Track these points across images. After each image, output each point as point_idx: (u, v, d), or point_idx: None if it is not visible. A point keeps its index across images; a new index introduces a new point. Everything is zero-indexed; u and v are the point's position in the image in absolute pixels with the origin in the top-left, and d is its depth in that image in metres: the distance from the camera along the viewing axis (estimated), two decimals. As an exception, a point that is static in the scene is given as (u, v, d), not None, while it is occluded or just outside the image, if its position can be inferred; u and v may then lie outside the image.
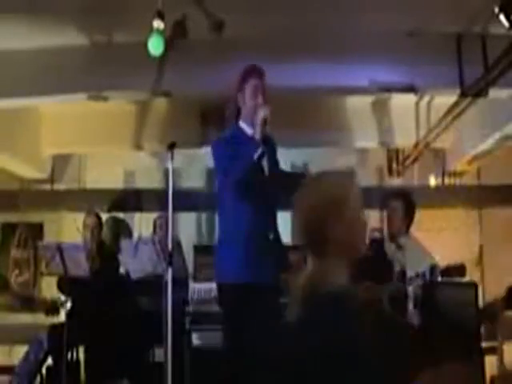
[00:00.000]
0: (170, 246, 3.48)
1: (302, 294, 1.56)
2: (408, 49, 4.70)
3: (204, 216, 7.71)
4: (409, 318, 3.76)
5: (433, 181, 7.01)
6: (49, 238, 6.71)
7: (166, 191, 3.40)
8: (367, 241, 5.97)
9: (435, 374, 3.75)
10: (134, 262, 4.24)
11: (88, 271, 4.21)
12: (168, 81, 4.78)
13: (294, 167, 6.84)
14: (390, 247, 3.95)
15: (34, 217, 7.04)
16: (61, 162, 7.07)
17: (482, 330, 4.44)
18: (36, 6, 4.19)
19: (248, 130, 2.95)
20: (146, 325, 4.46)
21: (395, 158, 7.42)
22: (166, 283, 3.50)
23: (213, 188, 7.43)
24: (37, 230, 7.09)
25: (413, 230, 4.12)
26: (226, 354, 2.83)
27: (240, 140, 2.91)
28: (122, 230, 6.58)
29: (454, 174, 6.82)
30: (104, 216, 6.13)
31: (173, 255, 3.51)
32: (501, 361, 4.55)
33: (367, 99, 6.25)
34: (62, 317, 4.61)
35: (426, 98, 6.06)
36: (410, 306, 3.73)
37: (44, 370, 4.72)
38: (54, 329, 4.47)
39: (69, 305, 4.39)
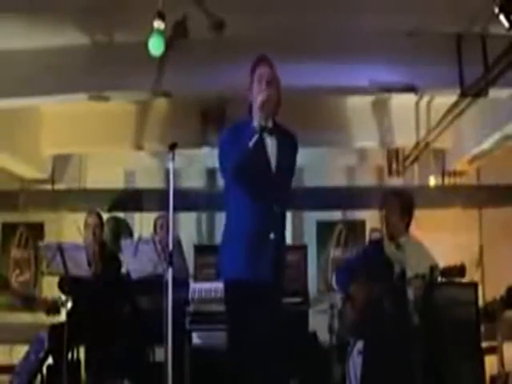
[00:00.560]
0: (170, 245, 3.49)
1: None
2: (408, 49, 4.71)
3: (204, 216, 7.72)
4: (409, 318, 3.76)
5: (433, 181, 7.02)
6: (49, 237, 6.73)
7: (166, 191, 3.40)
8: (367, 241, 6.02)
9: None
10: (135, 262, 4.24)
11: (89, 271, 4.22)
12: (168, 81, 4.78)
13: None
14: (389, 247, 3.95)
15: (34, 217, 7.05)
16: (61, 162, 7.07)
17: (482, 329, 4.44)
18: (36, 6, 4.20)
19: (255, 121, 2.81)
20: (146, 325, 4.46)
21: (395, 158, 7.43)
22: (167, 283, 3.50)
23: (213, 188, 7.48)
24: (37, 229, 7.10)
25: (413, 229, 4.12)
26: (227, 352, 2.83)
27: (244, 129, 2.80)
28: (122, 229, 6.59)
29: (454, 174, 6.82)
30: (105, 216, 6.15)
31: (173, 255, 3.51)
32: (501, 361, 4.55)
33: (367, 99, 6.26)
34: (62, 316, 4.61)
35: (426, 98, 6.06)
36: (410, 306, 3.74)
37: (45, 370, 4.73)
38: (55, 328, 4.47)
39: (69, 304, 4.39)
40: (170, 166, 3.40)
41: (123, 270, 4.77)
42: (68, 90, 4.90)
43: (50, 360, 4.60)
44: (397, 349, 3.59)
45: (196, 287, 4.74)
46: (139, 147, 6.64)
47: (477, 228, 6.75)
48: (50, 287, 5.62)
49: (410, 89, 4.84)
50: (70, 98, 5.09)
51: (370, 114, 6.43)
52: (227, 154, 2.79)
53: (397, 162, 7.39)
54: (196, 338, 4.56)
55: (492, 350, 4.64)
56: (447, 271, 3.63)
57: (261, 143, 2.78)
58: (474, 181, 6.87)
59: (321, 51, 4.71)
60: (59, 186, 7.05)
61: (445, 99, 5.40)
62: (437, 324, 3.87)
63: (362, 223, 7.31)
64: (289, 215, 3.00)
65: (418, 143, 6.36)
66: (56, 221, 7.04)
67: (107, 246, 4.80)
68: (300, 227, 7.53)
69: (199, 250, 5.55)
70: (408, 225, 3.95)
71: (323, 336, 4.91)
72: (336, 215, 7.59)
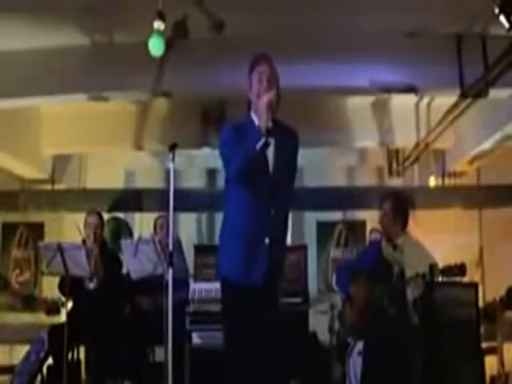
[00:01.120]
0: (170, 246, 3.49)
1: None
2: (408, 49, 4.71)
3: (204, 216, 7.72)
4: (409, 319, 3.77)
5: (433, 181, 7.02)
6: (49, 237, 6.73)
7: (166, 191, 3.40)
8: (367, 242, 6.02)
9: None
10: (135, 262, 4.24)
11: (89, 271, 4.22)
12: (168, 81, 4.78)
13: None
14: (387, 248, 3.95)
15: (34, 217, 7.05)
16: (61, 162, 7.07)
17: (482, 330, 4.44)
18: (37, 7, 4.20)
19: (256, 120, 2.77)
20: (147, 325, 4.46)
21: (395, 159, 7.44)
22: (167, 283, 3.50)
23: (213, 188, 7.48)
24: (37, 229, 7.10)
25: (413, 229, 4.12)
26: (223, 353, 2.83)
27: (247, 129, 2.75)
28: (122, 229, 6.60)
29: (454, 175, 6.82)
30: (104, 216, 6.14)
31: (173, 255, 3.51)
32: (501, 361, 4.56)
33: (367, 99, 6.26)
34: (62, 317, 4.61)
35: (426, 99, 6.06)
36: (410, 306, 3.74)
37: (45, 370, 4.73)
38: (55, 329, 4.47)
39: (70, 305, 4.39)
40: (171, 166, 3.40)
41: (123, 270, 4.78)
42: (68, 91, 4.90)
43: (50, 360, 4.61)
44: (397, 349, 3.59)
45: (196, 287, 4.74)
46: (139, 147, 6.64)
47: (477, 228, 6.75)
48: (50, 287, 5.62)
49: (410, 89, 4.84)
50: (70, 98, 5.09)
51: (370, 115, 6.43)
52: (231, 155, 2.74)
53: (397, 162, 7.40)
54: (196, 338, 4.56)
55: (492, 350, 4.64)
56: (447, 270, 3.63)
57: (265, 146, 2.72)
58: (474, 181, 6.87)
59: (321, 51, 4.71)
60: (59, 186, 7.06)
61: (445, 99, 5.40)
62: (437, 324, 3.87)
63: (362, 223, 7.32)
64: (289, 215, 2.97)
65: (418, 143, 6.36)
66: (56, 221, 7.04)
67: (107, 246, 4.80)
68: (300, 227, 7.53)
69: (199, 250, 5.54)
70: (404, 225, 3.95)
71: (323, 336, 4.91)
72: (336, 215, 7.59)
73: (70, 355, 4.37)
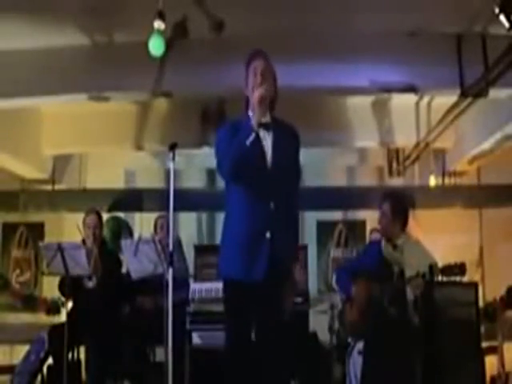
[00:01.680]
0: (170, 246, 3.49)
1: None
2: (408, 49, 4.71)
3: (204, 216, 7.72)
4: (409, 319, 3.77)
5: (433, 181, 7.02)
6: (49, 237, 6.73)
7: (166, 191, 3.40)
8: (367, 241, 6.02)
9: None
10: (135, 262, 4.24)
11: (89, 271, 4.22)
12: (168, 81, 4.78)
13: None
14: (386, 248, 3.96)
15: (34, 217, 7.05)
16: (61, 162, 7.07)
17: (482, 330, 4.45)
18: (37, 7, 4.20)
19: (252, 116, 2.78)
20: (147, 325, 4.47)
21: (395, 158, 7.43)
22: (167, 283, 3.50)
23: (213, 188, 7.48)
24: (38, 229, 7.10)
25: (413, 229, 4.13)
26: (223, 353, 2.81)
27: (243, 126, 2.74)
28: (122, 229, 6.60)
29: (455, 174, 6.82)
30: (105, 216, 6.14)
31: (173, 255, 3.51)
32: (501, 361, 4.56)
33: (367, 99, 6.26)
34: (62, 317, 4.61)
35: (427, 98, 6.06)
36: (410, 306, 3.74)
37: (45, 370, 4.73)
38: (55, 329, 4.47)
39: (70, 305, 4.39)
40: (171, 166, 3.40)
41: (123, 269, 4.78)
42: (68, 91, 4.90)
43: (50, 360, 4.61)
44: (397, 349, 3.59)
45: (196, 287, 4.74)
46: (139, 147, 6.63)
47: (477, 228, 6.74)
48: (50, 287, 5.63)
49: (410, 89, 4.84)
50: (71, 98, 5.09)
51: (370, 114, 6.42)
52: (225, 153, 2.74)
53: (397, 162, 7.40)
54: (196, 338, 4.56)
55: (492, 350, 4.64)
56: (447, 269, 3.63)
57: (257, 140, 2.73)
58: (475, 181, 6.87)
59: (321, 51, 4.71)
60: (59, 186, 7.06)
61: (445, 99, 5.40)
62: (437, 324, 3.87)
63: (363, 223, 7.32)
64: (297, 213, 2.94)
65: (418, 143, 6.36)
66: (56, 221, 7.04)
67: (107, 246, 4.80)
68: (300, 227, 7.52)
69: (199, 250, 5.55)
70: (404, 225, 3.95)
71: (323, 336, 4.91)
72: (336, 215, 7.59)
73: (70, 355, 4.37)
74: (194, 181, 7.63)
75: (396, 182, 7.47)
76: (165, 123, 6.35)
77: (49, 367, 4.68)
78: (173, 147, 3.43)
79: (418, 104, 6.23)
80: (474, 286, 4.15)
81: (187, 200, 5.96)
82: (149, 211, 6.55)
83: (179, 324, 3.95)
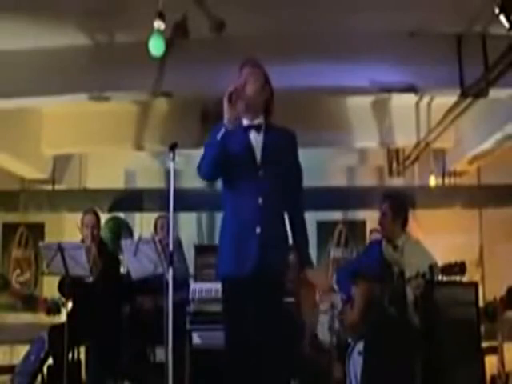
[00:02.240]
0: (170, 246, 3.49)
1: None
2: (408, 49, 4.71)
3: (204, 216, 7.72)
4: (409, 318, 3.77)
5: (433, 181, 7.02)
6: (50, 237, 6.73)
7: (166, 191, 3.40)
8: (367, 241, 6.02)
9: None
10: (135, 262, 4.24)
11: (89, 270, 4.22)
12: (168, 81, 4.78)
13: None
14: (387, 248, 3.96)
15: (35, 217, 7.06)
16: (62, 162, 7.08)
17: (482, 329, 4.44)
18: (38, 7, 4.20)
19: (244, 121, 2.86)
20: (147, 325, 4.46)
21: (395, 158, 7.44)
22: (167, 283, 3.50)
23: (213, 188, 7.47)
24: (38, 229, 7.11)
25: (414, 229, 4.13)
26: (222, 353, 2.81)
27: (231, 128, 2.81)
28: (122, 229, 6.59)
29: (455, 174, 6.82)
30: (105, 216, 6.14)
31: (173, 255, 3.51)
32: (501, 361, 4.56)
33: (367, 99, 6.26)
34: (62, 317, 4.61)
35: (427, 98, 6.06)
36: (410, 306, 3.74)
37: (45, 370, 4.73)
38: (55, 329, 4.47)
39: (70, 305, 4.39)
40: (171, 166, 3.40)
41: (123, 269, 4.78)
42: (69, 91, 4.90)
43: (50, 360, 4.61)
44: (397, 349, 3.59)
45: (196, 287, 4.74)
46: (139, 147, 6.64)
47: (477, 228, 6.75)
48: (50, 287, 5.63)
49: (410, 89, 4.84)
50: (71, 98, 5.08)
51: (370, 114, 6.42)
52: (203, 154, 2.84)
53: (397, 162, 7.40)
54: (196, 338, 4.56)
55: (492, 350, 4.64)
56: (447, 268, 3.63)
57: (247, 140, 2.80)
58: (475, 181, 6.87)
59: (321, 51, 4.71)
60: (59, 186, 7.06)
61: (445, 99, 5.40)
62: (437, 324, 3.86)
63: (363, 223, 7.32)
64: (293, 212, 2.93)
65: (418, 143, 6.36)
66: (56, 221, 7.04)
67: (105, 246, 4.80)
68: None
69: (199, 249, 5.55)
70: (404, 225, 3.95)
71: (323, 336, 4.91)
72: (336, 215, 7.60)
73: (70, 355, 4.37)
74: (194, 181, 7.61)
75: (396, 182, 7.47)
76: (165, 123, 6.35)
77: (49, 367, 4.68)
78: (173, 147, 3.43)
79: (418, 104, 6.23)
80: (474, 285, 4.14)
81: (187, 200, 5.96)
82: (149, 211, 6.56)
83: (179, 324, 3.95)
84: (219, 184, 2.95)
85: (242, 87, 2.78)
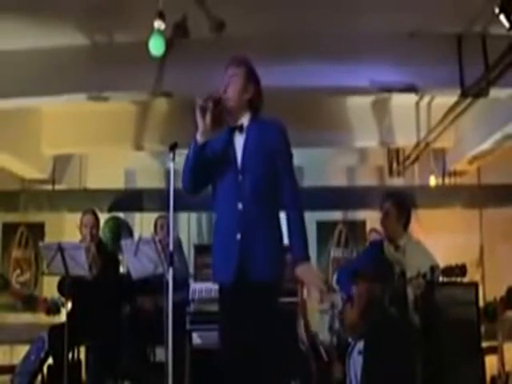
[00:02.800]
0: (170, 246, 3.49)
1: None
2: (409, 49, 4.71)
3: (204, 216, 7.72)
4: (409, 318, 3.77)
5: (433, 181, 7.02)
6: (50, 237, 6.73)
7: (166, 191, 3.40)
8: (367, 241, 6.02)
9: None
10: (135, 262, 4.25)
11: (89, 271, 4.22)
12: (168, 81, 4.78)
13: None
14: (388, 248, 3.95)
15: (35, 217, 7.06)
16: (62, 162, 7.08)
17: (483, 329, 4.44)
18: (37, 7, 4.20)
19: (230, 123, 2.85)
20: (147, 325, 4.46)
21: (395, 158, 7.44)
22: (167, 283, 3.50)
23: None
24: (38, 230, 7.11)
25: (414, 229, 4.13)
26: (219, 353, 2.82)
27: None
28: (122, 229, 6.59)
29: (455, 174, 6.82)
30: (105, 216, 6.14)
31: (173, 255, 3.51)
32: (501, 361, 4.55)
33: (367, 99, 6.26)
34: (62, 317, 4.61)
35: (427, 98, 6.06)
36: (411, 306, 3.74)
37: (45, 370, 4.73)
38: (55, 329, 4.47)
39: (69, 305, 4.39)
40: (171, 166, 3.40)
41: (123, 269, 4.78)
42: (68, 90, 4.90)
43: (50, 360, 4.61)
44: (397, 349, 3.59)
45: (196, 287, 4.74)
46: (139, 147, 6.63)
47: (477, 228, 6.75)
48: (50, 287, 5.62)
49: (410, 89, 4.84)
50: (71, 98, 5.08)
51: (370, 114, 6.42)
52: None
53: (397, 161, 7.40)
54: (196, 338, 4.56)
55: (492, 350, 4.63)
56: (448, 270, 3.63)
57: (229, 144, 2.78)
58: (475, 181, 6.87)
59: (321, 51, 4.71)
60: (59, 186, 7.06)
61: (445, 99, 5.40)
62: (437, 324, 3.86)
63: (363, 223, 7.32)
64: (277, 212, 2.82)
65: (418, 143, 6.36)
66: (56, 221, 7.04)
67: (104, 246, 4.81)
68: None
69: (199, 250, 5.53)
70: (406, 225, 3.94)
71: (323, 336, 4.91)
72: (336, 215, 7.59)
73: (70, 355, 4.37)
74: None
75: (396, 181, 7.47)
76: (165, 123, 6.35)
77: (49, 367, 4.68)
78: (173, 147, 3.43)
79: (418, 104, 6.23)
80: (474, 285, 4.13)
81: (187, 200, 5.95)
82: (149, 211, 6.55)
83: (179, 324, 3.95)
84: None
85: (223, 92, 2.78)
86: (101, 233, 4.90)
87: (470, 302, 3.98)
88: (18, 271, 7.14)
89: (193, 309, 4.59)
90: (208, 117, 2.76)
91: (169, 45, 4.27)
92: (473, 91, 4.67)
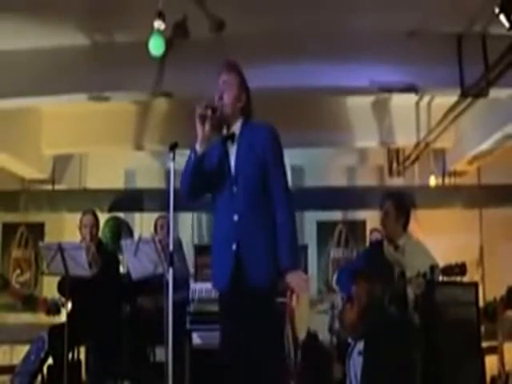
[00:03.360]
0: (171, 246, 3.49)
1: None
2: (408, 49, 4.71)
3: (204, 216, 7.72)
4: (409, 318, 3.76)
5: (433, 181, 7.02)
6: (50, 237, 6.73)
7: (166, 191, 3.40)
8: (367, 241, 6.02)
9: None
10: (135, 262, 4.24)
11: (89, 271, 4.22)
12: (168, 81, 4.78)
13: (294, 168, 6.86)
14: (388, 248, 3.96)
15: (35, 217, 7.06)
16: (62, 162, 7.08)
17: (483, 329, 4.44)
18: (37, 7, 4.21)
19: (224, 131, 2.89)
20: (147, 325, 4.46)
21: (395, 158, 7.44)
22: (167, 283, 3.50)
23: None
24: (38, 230, 7.11)
25: (414, 229, 4.12)
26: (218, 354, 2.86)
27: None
28: (122, 229, 6.59)
29: (455, 174, 6.82)
30: (105, 216, 6.14)
31: (174, 255, 3.51)
32: (501, 361, 4.55)
33: (367, 99, 6.26)
34: (62, 317, 4.61)
35: (427, 98, 6.06)
36: (411, 306, 3.74)
37: (45, 370, 4.73)
38: (55, 329, 4.47)
39: (70, 305, 4.39)
40: (171, 166, 3.39)
41: (123, 269, 4.77)
42: (68, 90, 4.90)
43: (50, 360, 4.61)
44: (397, 349, 3.59)
45: (196, 287, 4.74)
46: (139, 147, 6.64)
47: (477, 228, 6.75)
48: (50, 287, 5.62)
49: (410, 89, 4.84)
50: (71, 98, 5.09)
51: (370, 114, 6.43)
52: None
53: (397, 161, 7.40)
54: (196, 338, 4.56)
55: (492, 350, 4.63)
56: (448, 269, 3.63)
57: (223, 154, 2.80)
58: (475, 181, 6.87)
59: (321, 51, 4.71)
60: (59, 186, 7.06)
61: (445, 99, 5.40)
62: (437, 324, 3.86)
63: (363, 223, 7.32)
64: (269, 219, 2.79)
65: (418, 143, 6.37)
66: (56, 221, 7.04)
67: (104, 246, 4.80)
68: (300, 227, 7.53)
69: (199, 250, 5.55)
70: (406, 225, 3.95)
71: (323, 336, 4.91)
72: (336, 215, 7.60)
73: (70, 355, 4.37)
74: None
75: (396, 181, 7.47)
76: (165, 123, 6.35)
77: (49, 367, 4.68)
78: (173, 147, 3.42)
79: (418, 104, 6.23)
80: (474, 285, 4.13)
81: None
82: (149, 211, 6.56)
83: (179, 324, 3.95)
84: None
85: (219, 98, 2.86)
86: (101, 233, 4.90)
87: (470, 302, 3.98)
88: (18, 271, 7.14)
89: (193, 309, 4.60)
90: (207, 125, 2.80)
91: (169, 45, 4.27)
92: (473, 91, 4.68)
